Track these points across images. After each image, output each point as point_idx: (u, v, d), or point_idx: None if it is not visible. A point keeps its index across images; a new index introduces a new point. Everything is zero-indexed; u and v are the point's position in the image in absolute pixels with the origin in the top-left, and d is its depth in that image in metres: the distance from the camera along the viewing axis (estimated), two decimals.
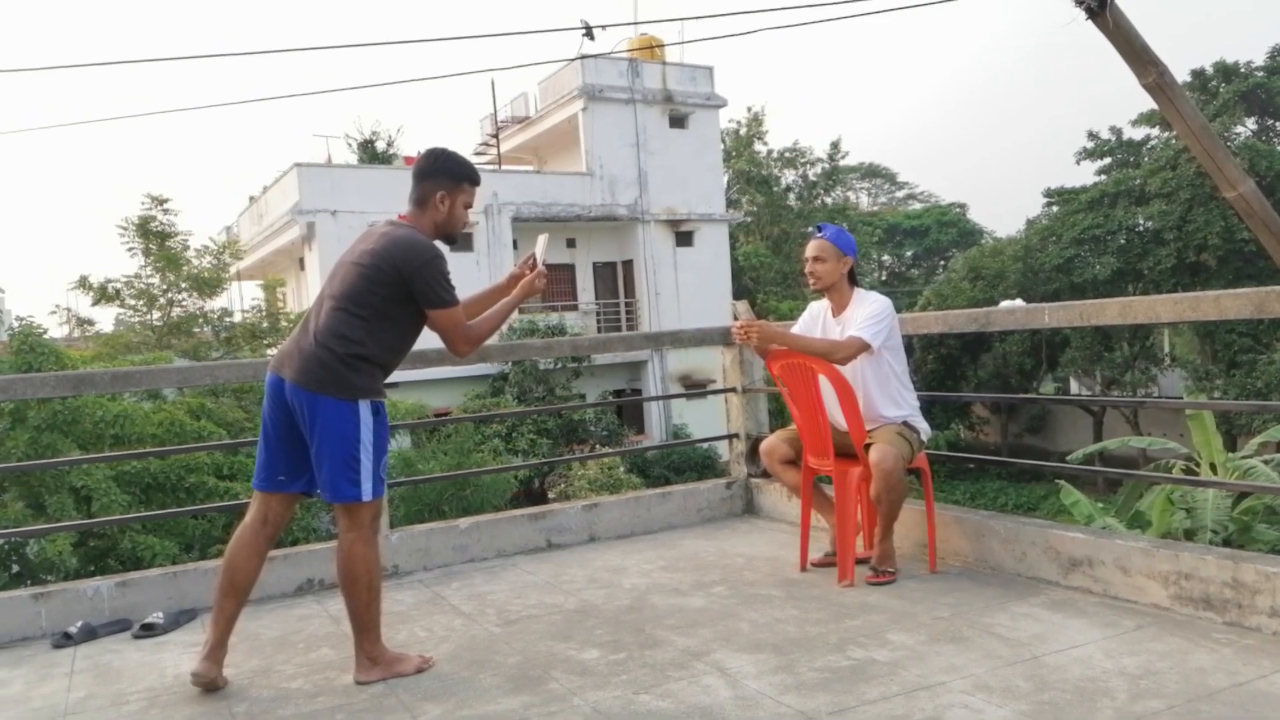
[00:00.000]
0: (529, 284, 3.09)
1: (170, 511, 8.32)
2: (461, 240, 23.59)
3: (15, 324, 12.78)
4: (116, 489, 10.49)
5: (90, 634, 3.53)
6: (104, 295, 16.98)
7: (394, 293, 2.81)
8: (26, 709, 2.88)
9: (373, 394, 2.82)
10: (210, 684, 2.85)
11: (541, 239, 3.26)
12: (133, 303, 17.31)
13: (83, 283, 16.85)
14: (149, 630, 3.54)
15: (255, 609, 3.81)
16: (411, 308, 2.85)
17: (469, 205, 3.01)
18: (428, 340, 3.24)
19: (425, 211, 2.95)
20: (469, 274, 22.21)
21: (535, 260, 3.15)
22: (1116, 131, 28.32)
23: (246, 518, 2.97)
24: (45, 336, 12.24)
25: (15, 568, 11.00)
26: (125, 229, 17.17)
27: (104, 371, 4.08)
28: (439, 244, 2.95)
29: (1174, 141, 24.54)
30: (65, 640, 3.48)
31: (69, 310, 17.39)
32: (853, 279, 3.79)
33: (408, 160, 25.25)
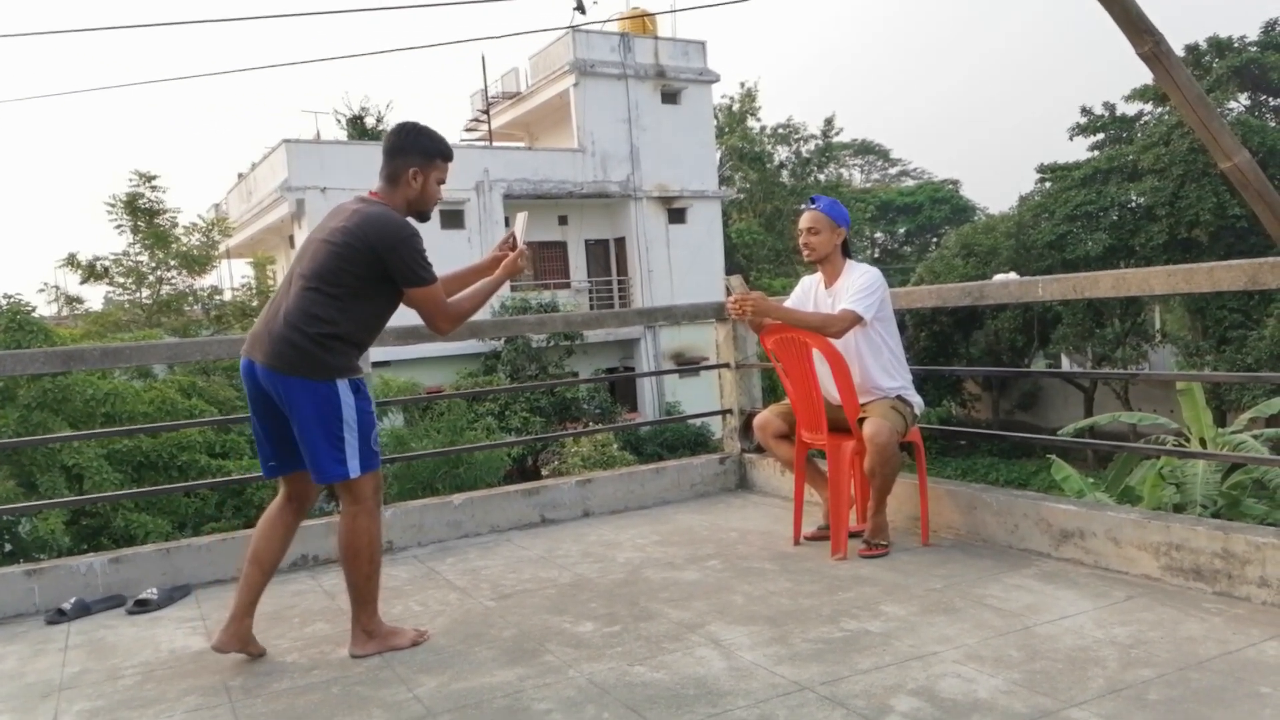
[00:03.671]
0: (511, 263, 3.06)
1: (162, 488, 8.32)
2: (452, 217, 23.58)
3: (3, 302, 12.67)
4: (108, 467, 10.49)
5: (84, 610, 3.53)
6: (92, 273, 16.90)
7: (368, 270, 2.75)
8: (21, 684, 2.88)
9: (349, 372, 2.78)
10: (240, 650, 2.86)
11: (520, 217, 3.22)
12: (121, 280, 17.22)
13: (71, 260, 16.75)
14: (143, 606, 3.54)
15: None
16: (386, 285, 2.80)
17: (442, 181, 2.96)
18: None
19: (397, 188, 2.89)
20: (460, 251, 22.11)
21: (515, 239, 3.11)
22: (1110, 107, 28.22)
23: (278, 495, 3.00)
24: (34, 315, 12.16)
25: (8, 546, 11.00)
26: (113, 206, 17.04)
27: (94, 347, 4.06)
28: (412, 221, 2.90)
29: (1167, 117, 24.49)
30: (59, 616, 3.48)
31: (57, 288, 17.32)
32: (846, 250, 3.81)
33: None
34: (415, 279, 2.79)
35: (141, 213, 16.99)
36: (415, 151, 2.88)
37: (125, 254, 17.16)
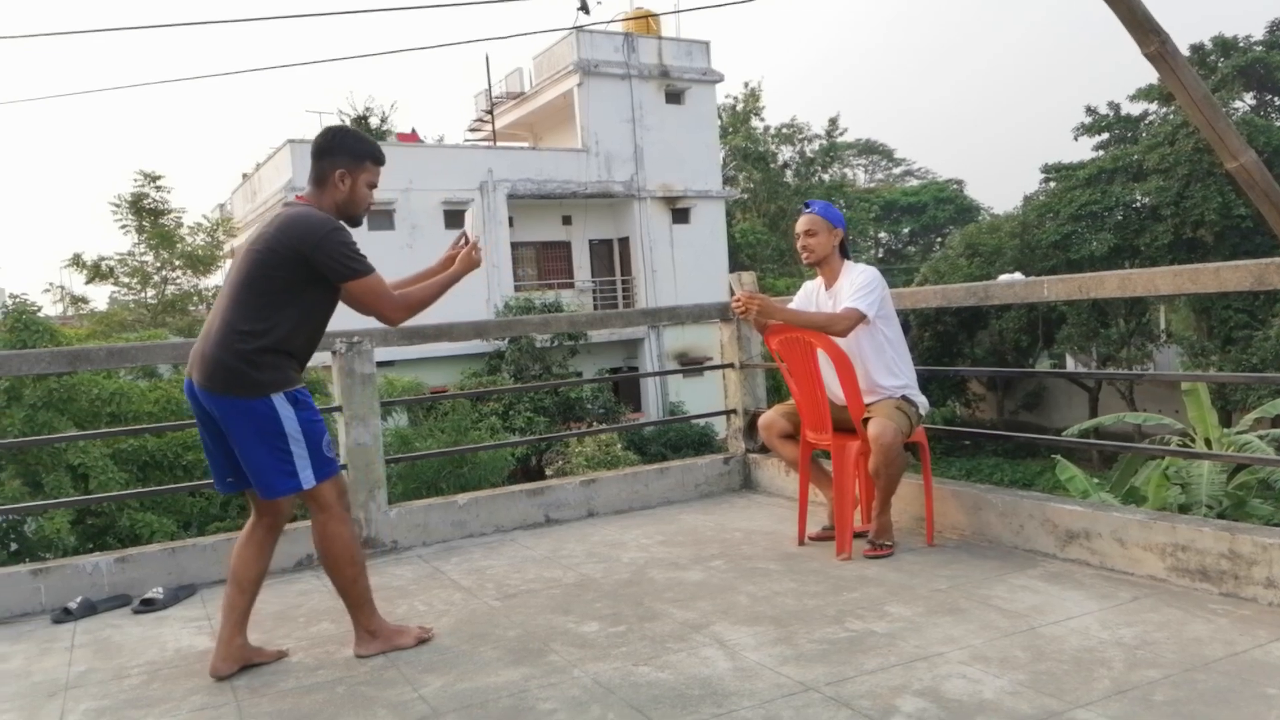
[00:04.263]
0: (467, 257, 2.98)
1: (168, 488, 8.34)
2: (456, 218, 23.53)
3: (9, 302, 12.72)
4: (114, 467, 10.50)
5: (90, 609, 3.54)
6: (98, 273, 16.94)
7: (295, 274, 2.68)
8: (28, 683, 2.89)
9: (284, 385, 2.70)
10: (242, 665, 2.82)
11: (468, 214, 3.22)
12: (126, 280, 17.26)
13: (76, 261, 16.80)
14: (149, 605, 3.55)
15: None
16: (319, 287, 2.73)
17: (373, 185, 2.88)
18: (426, 316, 3.21)
19: (324, 191, 2.82)
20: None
21: (467, 238, 3.05)
22: (1115, 107, 28.18)
23: None
24: (39, 315, 12.19)
25: (14, 546, 11.02)
26: (118, 206, 17.08)
27: (100, 347, 4.07)
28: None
29: (1172, 117, 24.45)
30: (65, 616, 3.49)
31: (62, 288, 17.36)
32: (844, 251, 3.84)
33: (401, 137, 25.08)
34: (347, 272, 2.71)
35: (146, 213, 17.03)
36: (343, 153, 2.82)
37: (130, 254, 17.21)
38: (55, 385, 10.68)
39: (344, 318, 3.03)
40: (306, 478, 2.73)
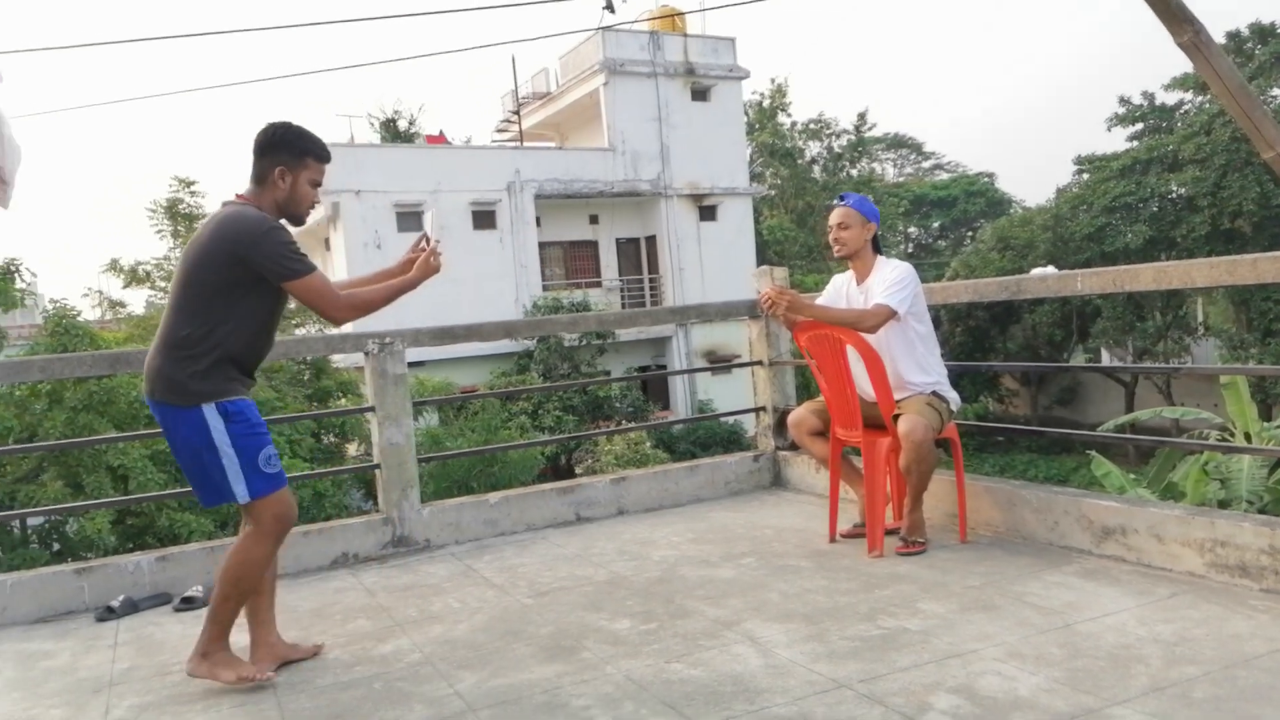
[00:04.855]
0: (424, 263, 2.85)
1: None
2: (484, 218, 23.71)
3: (49, 307, 12.98)
4: (153, 467, 10.69)
5: (132, 607, 3.61)
6: (134, 278, 17.24)
7: (232, 275, 2.60)
8: (73, 679, 2.95)
9: (217, 395, 2.62)
10: (281, 662, 2.83)
11: (427, 216, 3.10)
12: (163, 284, 17.54)
13: (114, 265, 17.11)
14: (189, 603, 3.62)
15: (292, 582, 3.88)
16: (257, 290, 2.65)
17: (316, 183, 2.78)
18: (456, 317, 3.24)
19: (265, 190, 2.72)
20: (492, 251, 22.31)
21: (428, 240, 2.93)
22: (1149, 97, 27.71)
23: None
24: (79, 319, 12.44)
25: (56, 545, 11.26)
26: (154, 211, 17.38)
27: (140, 351, 4.14)
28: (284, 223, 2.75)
29: (1208, 106, 23.99)
30: (108, 614, 3.56)
31: (101, 293, 17.69)
32: (876, 246, 3.81)
33: (429, 139, 25.28)
34: (286, 272, 2.62)
35: (182, 217, 17.31)
36: (282, 150, 2.72)
37: (166, 258, 17.50)
38: (95, 388, 10.90)
39: (376, 319, 3.05)
40: (240, 492, 2.64)
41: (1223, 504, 8.41)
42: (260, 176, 2.74)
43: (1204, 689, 2.26)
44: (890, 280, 3.62)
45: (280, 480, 2.72)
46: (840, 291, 3.89)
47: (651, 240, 25.38)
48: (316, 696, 2.65)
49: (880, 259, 3.78)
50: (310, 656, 2.94)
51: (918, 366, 3.66)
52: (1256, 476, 8.70)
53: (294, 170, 2.73)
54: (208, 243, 2.63)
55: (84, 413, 10.85)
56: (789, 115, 34.31)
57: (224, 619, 2.73)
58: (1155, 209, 24.08)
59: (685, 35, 25.19)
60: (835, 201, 3.85)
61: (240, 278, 2.61)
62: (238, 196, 2.75)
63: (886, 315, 3.55)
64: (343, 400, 15.20)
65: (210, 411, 2.61)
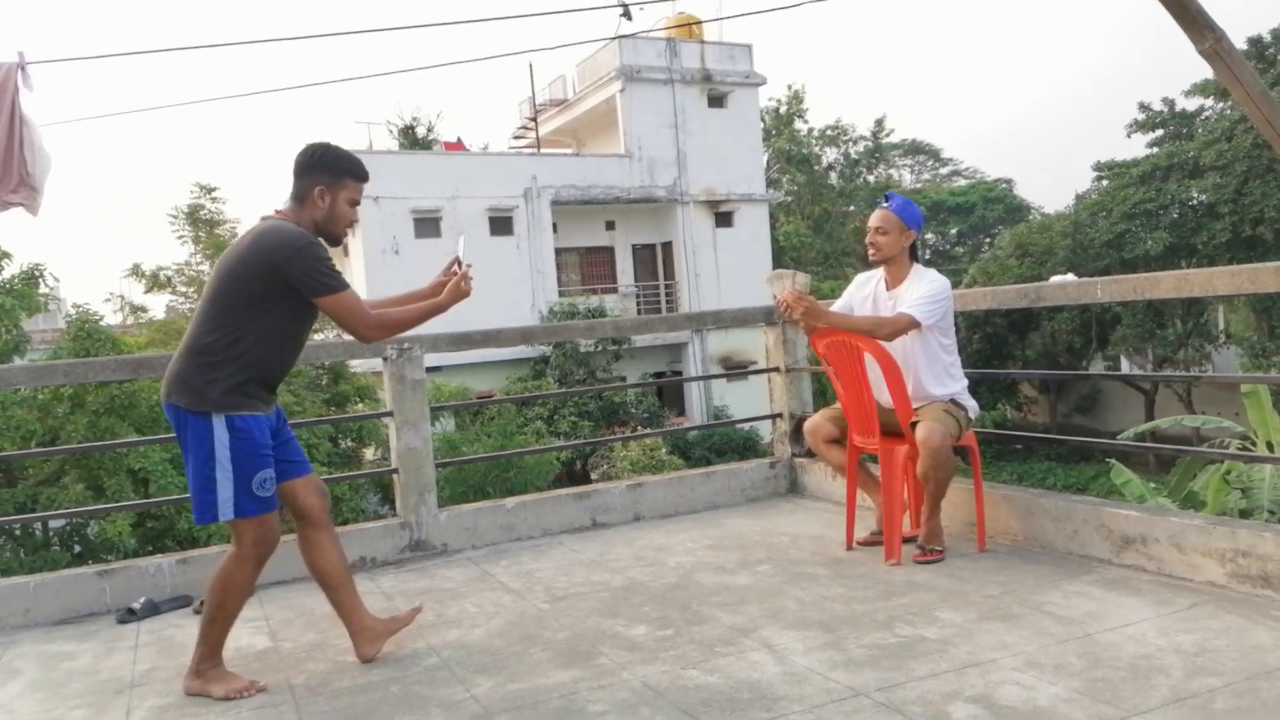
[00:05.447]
0: (455, 287, 2.89)
1: None
2: (501, 224, 23.82)
3: (72, 311, 13.13)
4: (173, 471, 10.78)
5: (153, 609, 3.65)
6: (156, 283, 17.40)
7: (263, 289, 2.64)
8: (95, 680, 2.99)
9: (230, 408, 2.64)
10: (387, 637, 2.93)
11: (461, 240, 3.16)
12: (184, 289, 17.71)
13: (135, 270, 17.27)
14: None
15: (309, 585, 3.88)
16: (288, 303, 2.69)
17: (354, 203, 2.84)
18: (473, 322, 3.26)
19: (304, 208, 2.78)
20: (509, 258, 22.39)
21: (460, 263, 2.98)
22: (1169, 103, 27.50)
23: None
24: (101, 324, 12.57)
25: (77, 548, 11.38)
26: (175, 217, 17.55)
27: (161, 355, 4.19)
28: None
29: (1229, 112, 23.78)
30: (129, 615, 3.60)
31: (123, 298, 17.84)
32: (914, 253, 3.74)
33: (447, 145, 25.42)
34: (320, 287, 2.67)
35: (202, 223, 17.48)
36: (322, 170, 2.78)
37: (187, 264, 17.67)
38: (117, 392, 11.01)
39: None
40: (225, 510, 2.66)
41: (1244, 514, 8.32)
42: (300, 195, 2.79)
43: (1225, 700, 2.24)
44: (924, 294, 3.56)
45: (270, 505, 2.74)
46: (867, 291, 3.81)
47: (667, 246, 25.40)
48: (334, 699, 2.67)
49: (917, 267, 3.70)
50: (410, 621, 3.01)
51: (937, 380, 3.63)
52: (1278, 486, 8.60)
53: (333, 190, 2.79)
54: (244, 253, 2.68)
55: (105, 416, 10.96)
56: (806, 121, 34.35)
57: (213, 638, 2.78)
58: (1175, 216, 23.89)
59: (702, 42, 25.23)
60: (881, 202, 3.75)
61: (272, 290, 2.66)
62: (277, 212, 2.81)
63: (906, 325, 3.52)
64: (360, 405, 15.28)
65: (219, 423, 2.64)
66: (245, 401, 2.68)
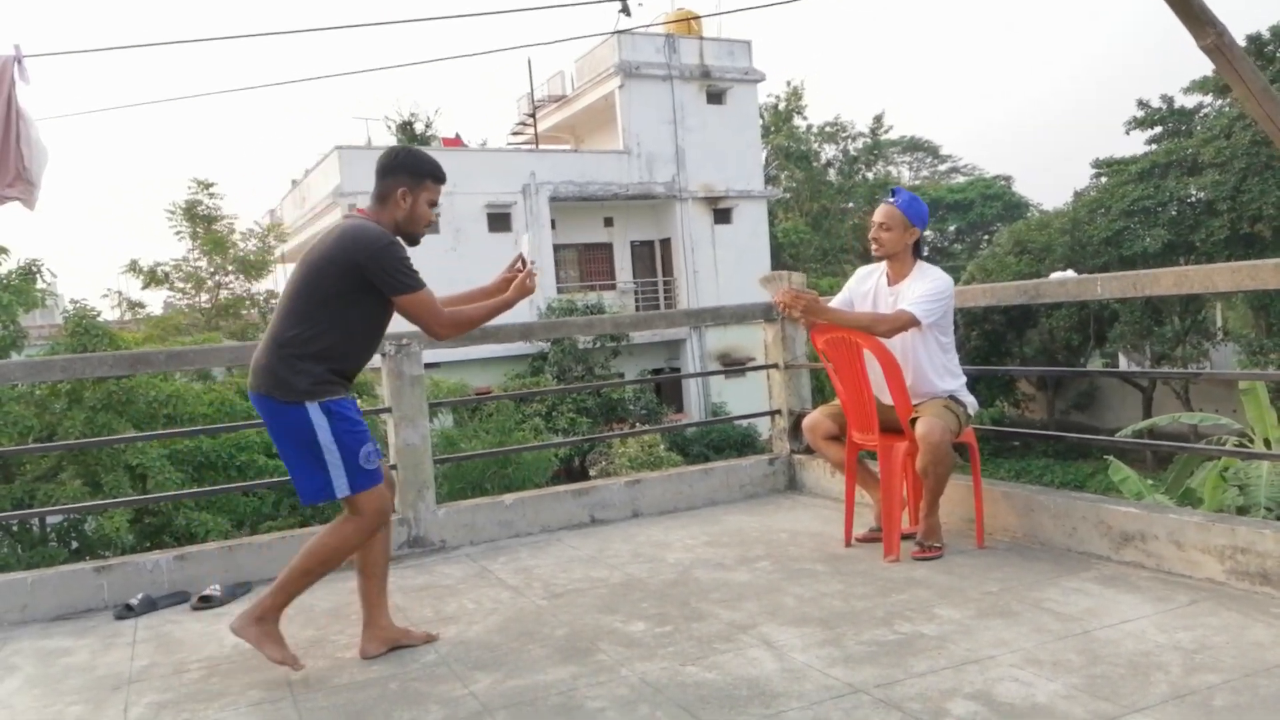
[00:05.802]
0: (521, 285, 3.01)
1: (222, 488, 8.53)
2: (499, 220, 23.83)
3: (69, 307, 13.10)
4: (170, 467, 10.77)
5: (150, 605, 3.64)
6: (153, 278, 17.38)
7: (346, 285, 2.74)
8: (93, 676, 2.98)
9: (321, 395, 2.74)
10: (391, 647, 2.93)
11: (524, 238, 3.25)
12: (181, 285, 17.70)
13: (133, 266, 17.24)
14: (207, 602, 3.64)
15: None
16: (369, 299, 2.78)
17: (433, 203, 2.94)
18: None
19: (386, 208, 2.87)
20: (507, 254, 22.21)
21: (524, 261, 3.08)
22: (1168, 100, 27.47)
23: None
24: (99, 319, 12.54)
25: (74, 544, 11.36)
26: (173, 213, 17.52)
27: (159, 351, 4.18)
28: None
29: (1228, 109, 23.78)
30: (127, 611, 3.59)
31: (120, 293, 17.81)
32: (918, 250, 3.70)
33: (445, 141, 25.36)
34: (400, 286, 2.77)
35: (200, 219, 17.45)
36: (404, 172, 2.88)
37: (185, 259, 17.65)
38: (114, 388, 10.98)
39: (394, 321, 3.06)
40: (340, 487, 2.76)
41: (1241, 510, 8.34)
42: (382, 196, 2.88)
43: (1224, 697, 2.24)
44: (926, 292, 3.53)
45: (379, 476, 2.84)
46: (868, 286, 3.79)
47: (666, 243, 25.38)
48: (333, 696, 2.66)
49: (921, 264, 3.67)
50: (421, 643, 2.99)
51: (938, 375, 3.63)
52: (1275, 483, 8.62)
53: (414, 191, 2.89)
54: (329, 251, 2.77)
55: (103, 412, 10.93)
56: (805, 118, 34.31)
57: (293, 591, 2.84)
58: (1174, 213, 23.88)
59: (701, 38, 25.20)
60: (887, 197, 3.71)
61: (354, 287, 2.75)
62: (358, 211, 2.92)
63: (906, 323, 3.50)
64: (358, 401, 15.24)
65: (315, 410, 2.73)
66: (332, 388, 2.78)
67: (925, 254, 3.74)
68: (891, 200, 3.67)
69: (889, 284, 3.72)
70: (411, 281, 2.78)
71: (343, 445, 2.74)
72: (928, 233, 3.83)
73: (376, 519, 2.84)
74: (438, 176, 2.93)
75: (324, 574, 2.86)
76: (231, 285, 17.91)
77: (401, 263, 2.77)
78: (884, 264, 3.76)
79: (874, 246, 3.69)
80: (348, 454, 2.75)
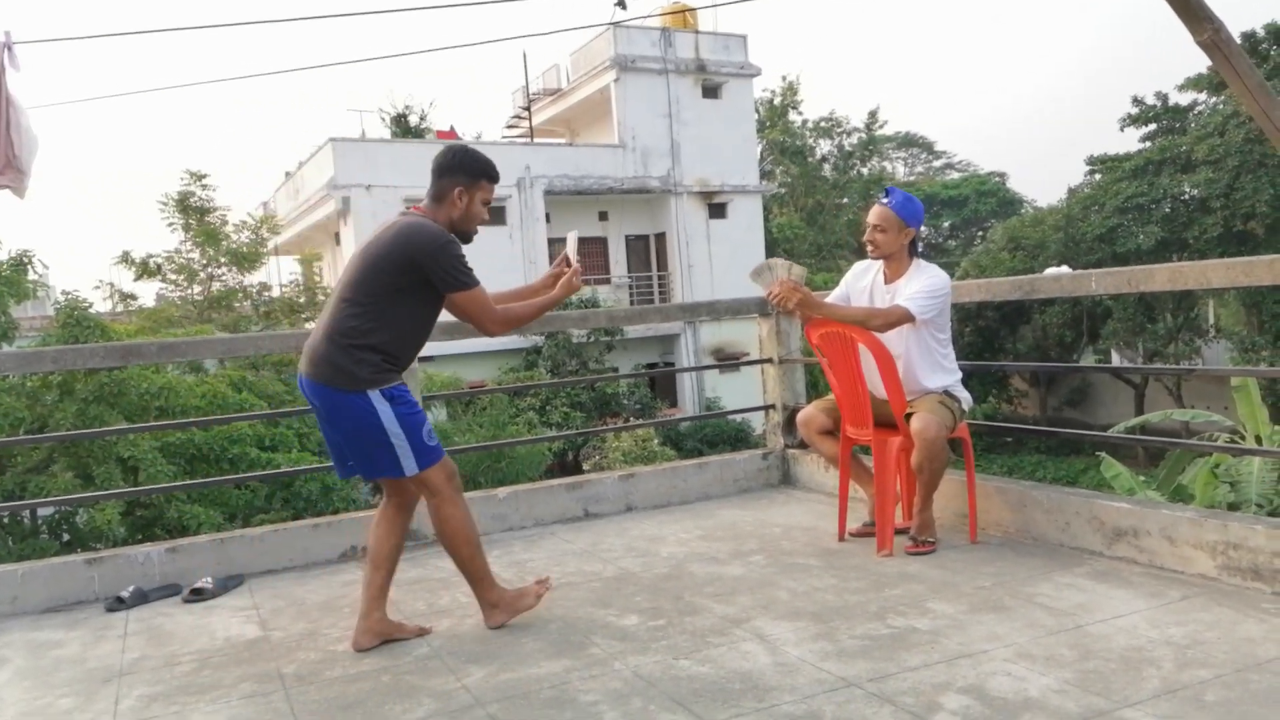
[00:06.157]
0: (568, 282, 3.12)
1: (214, 480, 8.49)
2: (493, 214, 23.85)
3: (61, 299, 13.03)
4: (162, 459, 10.73)
5: (142, 598, 3.63)
6: (146, 270, 17.26)
7: (404, 281, 2.82)
8: (83, 669, 2.97)
9: (380, 382, 2.83)
10: (382, 640, 2.96)
11: (571, 236, 3.31)
12: (174, 277, 17.58)
13: (125, 258, 17.13)
14: (198, 595, 3.63)
15: (301, 574, 3.89)
16: (424, 295, 2.87)
17: (487, 203, 3.02)
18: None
19: (442, 207, 2.95)
20: (501, 248, 22.30)
21: (569, 259, 3.17)
22: (1162, 97, 27.52)
23: None
24: (91, 311, 12.47)
25: (66, 536, 11.32)
26: (165, 204, 17.41)
27: (151, 342, 4.16)
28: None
29: (1222, 107, 23.83)
30: (118, 604, 3.58)
31: (112, 285, 17.69)
32: (914, 248, 3.69)
33: (440, 134, 25.30)
34: (457, 283, 2.86)
35: (193, 211, 17.33)
36: (461, 171, 2.95)
37: (177, 251, 17.52)
38: (106, 380, 10.93)
39: None
40: (409, 465, 2.87)
41: (1232, 507, 8.36)
42: (439, 195, 2.96)
43: (1216, 692, 2.25)
44: (923, 289, 3.52)
45: (440, 449, 2.97)
46: (865, 282, 3.77)
47: (661, 237, 25.35)
48: (325, 689, 2.65)
49: (918, 262, 3.65)
50: (414, 637, 3.01)
51: (933, 371, 3.62)
52: (1267, 480, 8.65)
53: (470, 190, 2.96)
54: (389, 246, 2.84)
55: (95, 404, 10.87)
56: (800, 113, 34.30)
57: (481, 573, 3.01)
58: (1167, 210, 23.94)
59: (697, 32, 25.14)
60: (881, 197, 3.69)
61: (411, 282, 2.83)
62: (414, 209, 2.98)
63: (901, 318, 3.50)
64: None
65: (376, 396, 2.82)
66: (390, 375, 2.87)
67: (921, 251, 3.72)
68: (885, 201, 3.64)
69: (886, 281, 3.71)
70: (467, 279, 2.87)
71: (406, 427, 2.85)
72: (922, 229, 3.82)
73: (450, 486, 2.95)
74: (492, 176, 3.01)
75: (477, 543, 3.00)
76: (224, 277, 17.81)
77: (458, 260, 2.86)
78: (882, 262, 3.75)
79: (870, 249, 3.67)
80: (412, 435, 2.86)
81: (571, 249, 3.20)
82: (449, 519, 2.94)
